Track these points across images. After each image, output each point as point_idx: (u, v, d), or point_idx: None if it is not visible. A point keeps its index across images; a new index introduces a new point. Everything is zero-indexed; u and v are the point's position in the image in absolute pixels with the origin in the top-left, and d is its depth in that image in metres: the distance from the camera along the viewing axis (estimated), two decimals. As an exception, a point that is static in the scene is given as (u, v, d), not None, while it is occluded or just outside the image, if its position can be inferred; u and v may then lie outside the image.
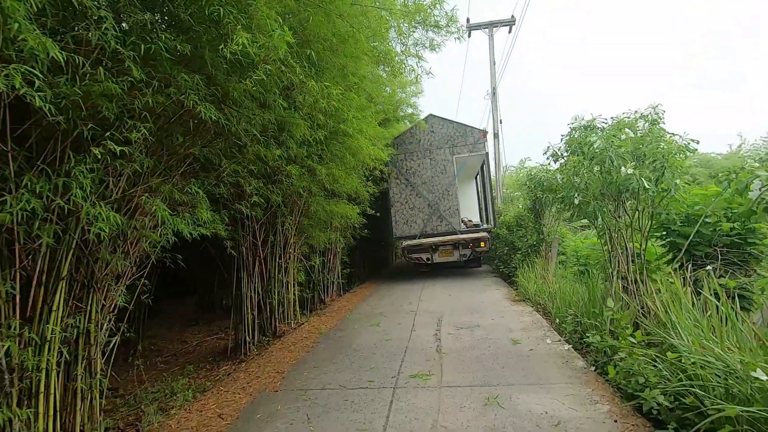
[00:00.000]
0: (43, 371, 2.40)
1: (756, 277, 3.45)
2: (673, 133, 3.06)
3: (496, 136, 12.29)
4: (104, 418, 3.14)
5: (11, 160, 2.01)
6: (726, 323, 2.20)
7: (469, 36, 12.90)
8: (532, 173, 5.28)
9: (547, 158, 4.05)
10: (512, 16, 12.17)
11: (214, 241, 4.42)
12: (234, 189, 4.07)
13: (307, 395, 3.04)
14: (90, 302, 2.79)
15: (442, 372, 3.25)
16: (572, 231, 9.67)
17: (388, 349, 3.99)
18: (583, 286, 5.08)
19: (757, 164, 2.86)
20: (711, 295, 2.95)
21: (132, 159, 2.52)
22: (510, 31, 12.43)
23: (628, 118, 3.59)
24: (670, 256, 4.54)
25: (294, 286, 5.83)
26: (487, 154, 9.39)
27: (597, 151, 3.03)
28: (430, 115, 9.53)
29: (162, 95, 2.30)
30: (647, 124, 3.35)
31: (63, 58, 1.67)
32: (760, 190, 2.47)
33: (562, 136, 3.96)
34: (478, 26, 12.46)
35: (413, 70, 4.97)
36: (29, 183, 1.98)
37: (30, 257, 2.33)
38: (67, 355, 2.50)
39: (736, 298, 2.53)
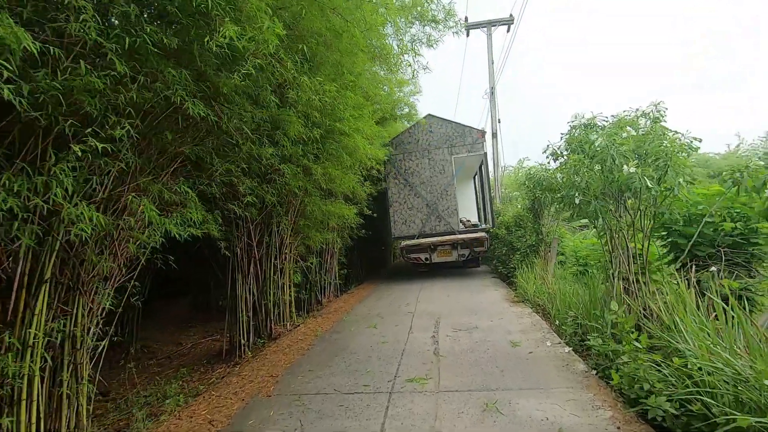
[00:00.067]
0: (25, 378, 2.32)
1: (760, 278, 3.38)
2: (675, 131, 2.99)
3: (494, 135, 12.23)
4: (92, 424, 3.06)
5: (-12, 157, 1.93)
6: (735, 326, 2.12)
7: (468, 35, 12.84)
8: (532, 172, 5.20)
9: (547, 157, 3.98)
10: (510, 15, 12.12)
11: (208, 241, 4.33)
12: (227, 189, 3.99)
13: (300, 400, 2.96)
14: (76, 305, 2.70)
15: (439, 376, 3.17)
16: (571, 231, 9.62)
17: (385, 352, 3.91)
18: (583, 287, 5.01)
19: (762, 163, 2.80)
20: (715, 296, 2.89)
21: (118, 157, 2.44)
22: (508, 30, 12.38)
23: (629, 116, 3.52)
24: (671, 257, 4.48)
25: (290, 288, 5.75)
26: (485, 154, 9.38)
27: (598, 149, 2.96)
28: (429, 114, 9.52)
29: (148, 91, 2.21)
30: (649, 122, 3.27)
31: (37, 49, 1.58)
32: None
33: (562, 134, 3.88)
34: (476, 25, 12.39)
35: (410, 65, 4.87)
36: (7, 182, 1.90)
37: (11, 259, 2.25)
38: (50, 361, 2.40)
39: (744, 300, 2.46)
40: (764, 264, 3.73)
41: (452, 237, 8.87)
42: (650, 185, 2.66)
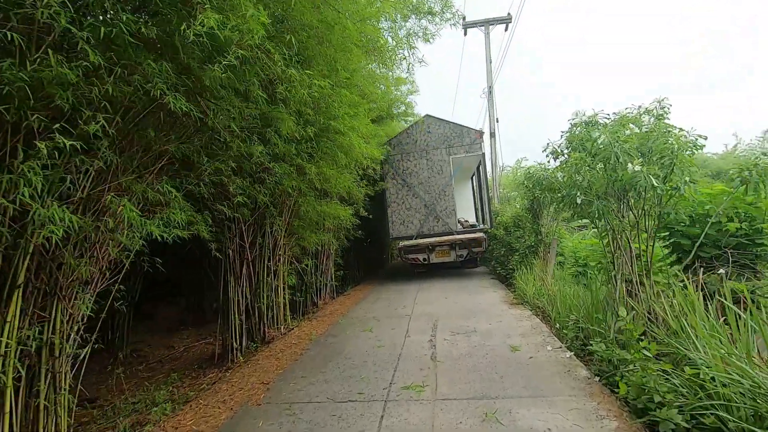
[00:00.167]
0: (-5, 389, 2.18)
1: (766, 280, 3.28)
2: (680, 128, 2.88)
3: (492, 135, 12.13)
4: (74, 435, 2.93)
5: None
6: (749, 333, 2.00)
7: (465, 34, 12.74)
8: (531, 172, 5.09)
9: (547, 156, 3.86)
10: (508, 14, 12.02)
11: (199, 243, 4.19)
12: (217, 189, 3.86)
13: (291, 409, 2.83)
14: (54, 311, 2.57)
15: (436, 383, 3.05)
16: (569, 231, 9.53)
17: (381, 357, 3.79)
18: (583, 288, 4.90)
19: (771, 161, 2.69)
20: (722, 299, 2.78)
21: (96, 155, 2.31)
22: (506, 29, 12.28)
23: (632, 113, 3.42)
24: (673, 258, 4.38)
25: (284, 290, 5.61)
26: (483, 154, 9.39)
27: (601, 146, 2.84)
28: (427, 115, 9.52)
29: (127, 84, 2.08)
30: (652, 119, 3.16)
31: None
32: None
33: (563, 132, 3.77)
34: (474, 24, 12.29)
35: (405, 58, 4.75)
36: (-28, 181, 1.77)
37: (-22, 263, 2.12)
38: (21, 370, 2.26)
39: (757, 303, 2.35)
40: (770, 265, 3.63)
41: (450, 237, 8.84)
42: (656, 184, 2.55)
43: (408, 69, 5.53)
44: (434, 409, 2.64)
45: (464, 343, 4.00)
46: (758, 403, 1.65)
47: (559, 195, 3.88)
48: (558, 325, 4.17)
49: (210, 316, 7.45)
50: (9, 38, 1.64)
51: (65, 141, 1.76)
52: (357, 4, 3.20)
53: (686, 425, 1.84)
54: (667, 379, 2.07)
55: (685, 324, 2.35)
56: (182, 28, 1.87)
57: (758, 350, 2.02)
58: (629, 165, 2.64)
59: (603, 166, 2.94)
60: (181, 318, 8.45)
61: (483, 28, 12.29)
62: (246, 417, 2.80)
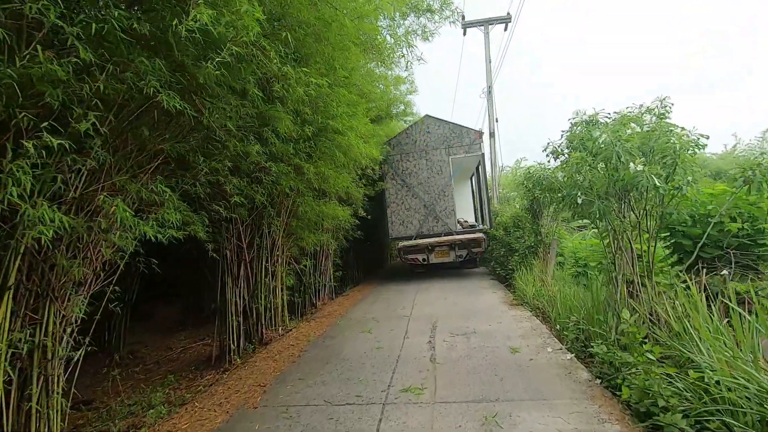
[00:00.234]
0: (-15, 393, 2.14)
1: (768, 281, 3.24)
2: (683, 127, 2.84)
3: (492, 135, 12.09)
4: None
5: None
6: (754, 336, 1.97)
7: (464, 34, 12.70)
8: (531, 172, 5.05)
9: (547, 155, 3.83)
10: (508, 14, 11.99)
11: (197, 243, 4.15)
12: (214, 188, 3.82)
13: (288, 413, 2.78)
14: (46, 313, 2.53)
15: (435, 385, 3.01)
16: (569, 231, 9.50)
17: (379, 359, 3.74)
18: (584, 289, 4.87)
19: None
20: (726, 301, 2.74)
21: (89, 154, 2.27)
22: (506, 29, 12.25)
23: (633, 112, 3.38)
24: (674, 258, 4.34)
25: (282, 291, 5.57)
26: (483, 154, 9.43)
27: (602, 146, 2.80)
28: (426, 115, 9.54)
29: (119, 82, 2.04)
30: (654, 118, 3.13)
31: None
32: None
33: (563, 131, 3.74)
34: (473, 24, 12.26)
35: (403, 56, 4.71)
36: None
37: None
38: (12, 374, 2.22)
39: (761, 305, 2.31)
40: (772, 266, 3.59)
41: (450, 238, 8.85)
42: (658, 184, 2.51)
43: (407, 67, 5.50)
44: (433, 412, 2.60)
45: (463, 344, 3.96)
46: (765, 408, 1.61)
47: (559, 195, 3.85)
48: (558, 326, 4.13)
49: (209, 317, 7.41)
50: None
51: (52, 140, 1.72)
52: (355, 1, 3.15)
53: (691, 430, 1.80)
54: (670, 382, 2.03)
55: (688, 326, 2.31)
56: (174, 23, 1.83)
57: (763, 353, 1.98)
58: (631, 164, 2.60)
59: (604, 166, 2.91)
60: (179, 318, 8.42)
61: (482, 27, 12.26)
62: (242, 420, 2.76)
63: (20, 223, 2.11)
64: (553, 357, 3.38)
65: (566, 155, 3.54)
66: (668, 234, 4.34)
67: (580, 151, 3.19)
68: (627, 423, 2.21)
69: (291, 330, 5.44)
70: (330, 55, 3.44)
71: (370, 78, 6.24)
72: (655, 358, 2.16)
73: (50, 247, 2.36)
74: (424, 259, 8.98)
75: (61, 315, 2.60)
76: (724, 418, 1.70)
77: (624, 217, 3.18)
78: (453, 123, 9.37)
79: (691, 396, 1.91)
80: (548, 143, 3.80)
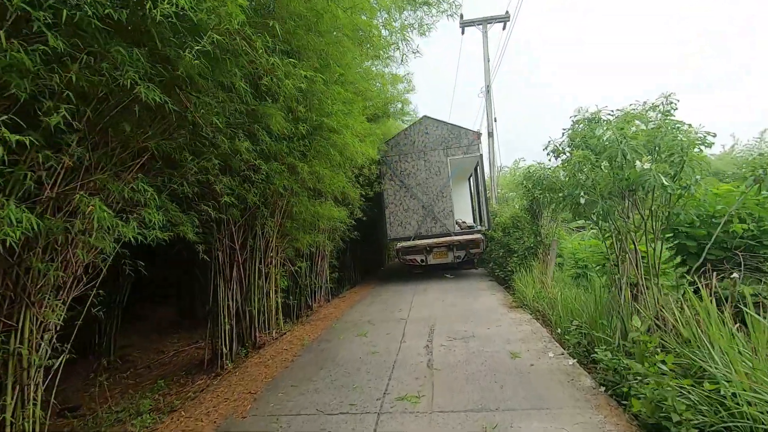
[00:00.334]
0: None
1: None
2: (689, 124, 2.73)
3: (490, 134, 11.98)
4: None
5: None
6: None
7: (463, 33, 12.59)
8: (531, 171, 4.94)
9: (548, 154, 3.71)
10: (506, 12, 11.89)
11: (188, 244, 4.02)
12: (205, 188, 3.69)
13: (278, 422, 2.66)
14: (22, 319, 2.39)
15: (433, 393, 2.89)
16: (568, 232, 9.40)
17: (375, 364, 3.62)
18: (585, 292, 4.76)
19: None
20: (732, 305, 2.63)
21: (65, 150, 2.14)
22: (504, 28, 12.15)
23: (636, 109, 3.27)
24: (677, 260, 4.23)
25: (276, 293, 5.43)
26: (481, 155, 9.46)
27: (607, 143, 2.69)
28: (425, 116, 9.51)
29: (96, 73, 1.91)
30: (659, 115, 3.02)
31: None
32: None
33: (564, 130, 3.62)
34: (471, 23, 12.16)
35: (398, 48, 4.58)
36: None
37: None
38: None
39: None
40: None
41: (448, 239, 8.82)
42: (666, 183, 2.40)
43: (402, 60, 5.37)
44: (430, 422, 2.48)
45: (462, 349, 3.84)
46: (790, 425, 1.49)
47: (560, 195, 3.73)
48: (559, 330, 4.01)
49: (202, 319, 7.27)
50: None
51: (10, 136, 1.58)
52: (349, -7, 3.04)
53: (705, 445, 1.69)
54: (682, 393, 1.91)
55: (699, 332, 2.19)
56: (148, 6, 1.70)
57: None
58: (637, 163, 2.49)
59: (609, 164, 2.80)
60: (174, 320, 8.28)
61: (481, 26, 12.16)
62: (229, 431, 2.63)
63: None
64: (555, 362, 3.26)
65: (568, 154, 3.42)
66: (671, 235, 4.24)
67: (582, 150, 3.07)
68: (634, 435, 2.10)
69: (285, 333, 5.31)
70: (323, 49, 3.32)
71: (367, 76, 6.12)
72: (668, 369, 2.04)
73: (24, 249, 2.24)
74: (422, 260, 8.94)
75: (38, 321, 2.47)
76: (744, 437, 1.58)
77: (627, 217, 3.07)
78: (451, 124, 9.37)
79: (706, 410, 1.79)
80: (549, 141, 3.68)
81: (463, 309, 5.64)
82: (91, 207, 2.05)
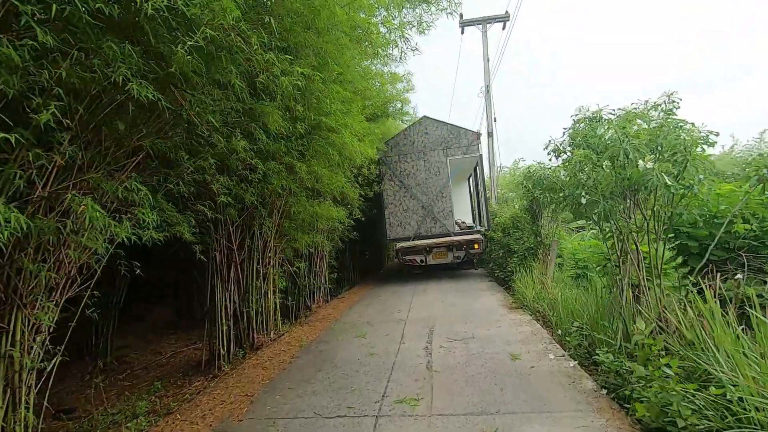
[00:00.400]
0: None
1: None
2: (692, 123, 2.69)
3: (490, 134, 11.94)
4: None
5: None
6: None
7: (462, 33, 12.56)
8: (531, 171, 4.90)
9: (548, 154, 3.67)
10: (506, 12, 11.86)
11: (185, 244, 3.97)
12: (201, 188, 3.64)
13: (275, 426, 2.61)
14: (13, 321, 2.35)
15: (432, 396, 2.84)
16: (567, 232, 9.37)
17: (373, 366, 3.58)
18: (584, 292, 4.72)
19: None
20: (736, 306, 2.58)
21: (57, 149, 2.09)
22: (504, 28, 12.12)
23: (637, 109, 3.23)
24: (679, 260, 4.19)
25: (274, 294, 5.39)
26: (480, 156, 9.47)
27: (609, 142, 2.65)
28: (424, 117, 9.50)
29: (88, 70, 1.87)
30: (661, 114, 2.98)
31: None
32: None
33: (565, 129, 3.58)
34: (471, 22, 12.13)
35: (397, 45, 4.54)
36: None
37: None
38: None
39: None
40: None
41: (448, 239, 8.81)
42: (669, 182, 2.36)
43: (401, 57, 5.32)
44: (430, 425, 2.44)
45: (462, 350, 3.80)
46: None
47: (560, 195, 3.69)
48: (560, 331, 3.97)
49: (201, 320, 7.22)
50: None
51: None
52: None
53: (711, 451, 1.64)
54: (685, 397, 1.87)
55: (703, 334, 2.15)
56: (139, 1, 1.66)
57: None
58: (640, 162, 2.45)
59: (610, 164, 2.76)
60: (172, 320, 8.23)
61: (480, 26, 12.13)
62: (225, 435, 2.59)
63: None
64: (556, 364, 3.22)
65: (569, 153, 3.38)
66: (672, 235, 4.20)
67: (583, 149, 3.03)
68: (637, 439, 2.06)
69: (283, 334, 5.26)
70: (321, 47, 3.27)
71: (366, 75, 6.08)
72: (673, 373, 1.99)
73: (15, 250, 2.20)
74: (421, 261, 8.92)
75: (30, 323, 2.43)
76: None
77: (629, 217, 3.03)
78: (451, 124, 9.36)
79: (712, 414, 1.75)
80: (550, 141, 3.64)
81: (462, 310, 5.60)
82: (82, 206, 2.01)
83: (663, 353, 2.26)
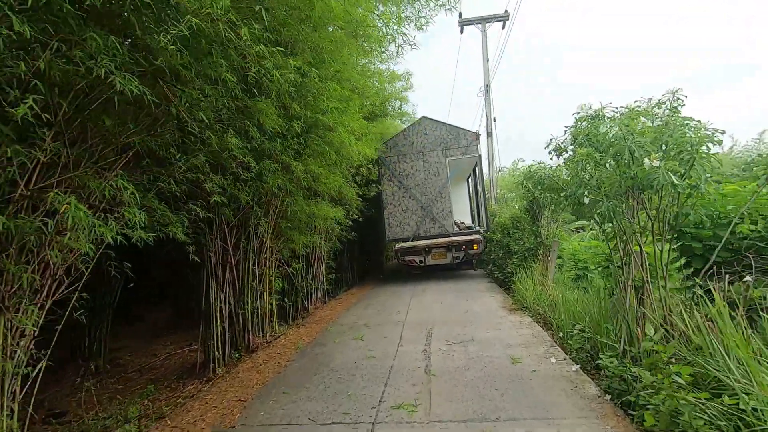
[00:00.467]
0: None
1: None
2: (699, 120, 2.61)
3: (489, 134, 11.87)
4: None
5: None
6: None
7: (462, 32, 12.50)
8: (531, 170, 4.82)
9: (550, 152, 3.59)
10: (506, 11, 11.79)
11: (179, 244, 3.88)
12: (194, 187, 3.56)
13: (268, 433, 2.53)
14: (-6, 325, 2.26)
15: (430, 401, 2.76)
16: (567, 232, 9.30)
17: (371, 370, 3.49)
18: (584, 293, 4.64)
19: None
20: (744, 309, 2.51)
21: (39, 145, 2.01)
22: (503, 27, 12.04)
23: (641, 106, 3.15)
24: (682, 261, 4.11)
25: (270, 295, 5.30)
26: (479, 156, 9.43)
27: (613, 140, 2.57)
28: (423, 117, 9.48)
29: (68, 61, 1.78)
30: (666, 111, 2.90)
31: None
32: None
33: (566, 127, 3.50)
34: (470, 21, 12.06)
35: (394, 39, 4.45)
36: None
37: None
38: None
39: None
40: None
41: (447, 239, 8.77)
42: (676, 181, 2.28)
43: (398, 52, 5.23)
44: (427, 433, 2.35)
45: (461, 353, 3.72)
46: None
47: (562, 195, 3.61)
48: (561, 333, 3.89)
49: (197, 321, 7.13)
50: None
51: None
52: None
53: (723, 463, 1.56)
54: (696, 405, 1.79)
55: (712, 339, 2.07)
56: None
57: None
58: (645, 160, 2.37)
59: (614, 162, 2.67)
60: (169, 321, 8.14)
61: (480, 25, 12.06)
62: (216, 442, 2.50)
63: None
64: (557, 368, 3.14)
65: (571, 152, 3.30)
66: (676, 236, 4.12)
67: (586, 147, 2.95)
68: (644, 449, 1.98)
69: (279, 336, 5.18)
70: (318, 43, 3.19)
71: (364, 73, 6.00)
72: (684, 382, 1.91)
73: (-3, 250, 2.11)
74: (420, 261, 8.87)
75: (14, 327, 2.34)
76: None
77: (633, 218, 2.95)
78: (450, 125, 9.33)
79: (724, 425, 1.67)
80: (551, 139, 3.56)
81: (462, 311, 5.52)
82: (65, 205, 1.92)
83: (673, 360, 2.17)
